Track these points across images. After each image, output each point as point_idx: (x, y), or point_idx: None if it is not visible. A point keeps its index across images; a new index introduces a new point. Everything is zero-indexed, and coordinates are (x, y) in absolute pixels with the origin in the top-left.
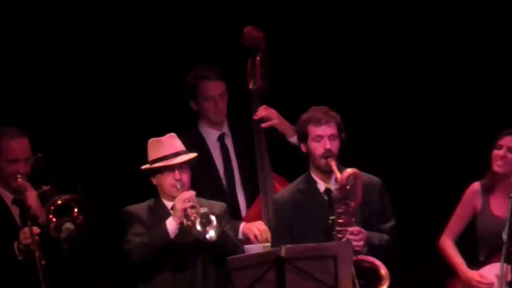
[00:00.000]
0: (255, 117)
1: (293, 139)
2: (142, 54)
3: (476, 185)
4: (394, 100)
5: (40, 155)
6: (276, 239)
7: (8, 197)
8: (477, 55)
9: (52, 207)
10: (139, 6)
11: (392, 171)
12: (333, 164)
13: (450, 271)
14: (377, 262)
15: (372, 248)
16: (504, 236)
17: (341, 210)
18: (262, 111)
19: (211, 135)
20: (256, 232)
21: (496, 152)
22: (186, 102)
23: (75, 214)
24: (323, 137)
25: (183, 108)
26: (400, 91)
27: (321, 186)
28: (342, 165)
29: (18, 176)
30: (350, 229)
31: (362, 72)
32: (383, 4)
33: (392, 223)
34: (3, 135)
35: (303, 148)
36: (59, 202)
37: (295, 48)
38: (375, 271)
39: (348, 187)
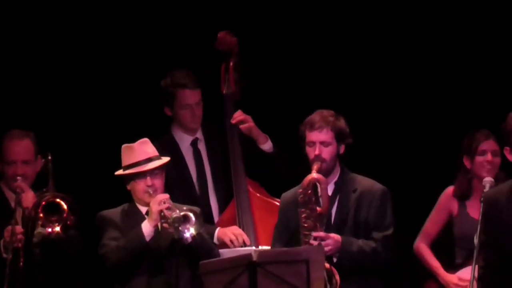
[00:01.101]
0: (233, 121)
1: (265, 146)
2: (114, 59)
3: (451, 189)
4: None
5: (50, 157)
6: (276, 236)
7: (12, 198)
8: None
9: (42, 203)
10: (112, 11)
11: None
12: (315, 168)
13: (426, 275)
14: (332, 269)
15: (348, 255)
16: (476, 240)
17: (305, 214)
18: (239, 115)
19: (184, 140)
20: (231, 236)
21: (483, 158)
22: (161, 107)
23: (65, 215)
24: (314, 142)
25: (156, 112)
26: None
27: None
28: (348, 170)
29: (18, 177)
30: (314, 233)
31: (337, 76)
32: (358, 5)
33: (388, 232)
34: (6, 137)
35: (304, 150)
36: (50, 200)
37: (269, 52)
38: (329, 276)
39: (309, 191)
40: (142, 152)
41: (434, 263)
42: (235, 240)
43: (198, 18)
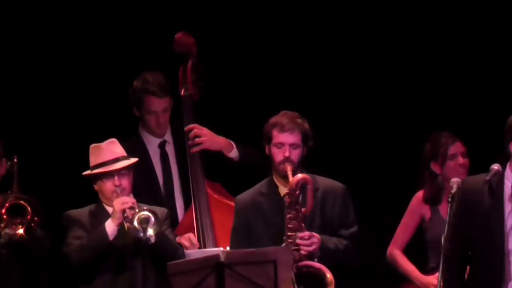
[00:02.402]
0: (186, 130)
1: (231, 154)
2: (81, 59)
3: (422, 193)
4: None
5: (16, 159)
6: (235, 239)
7: None
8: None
9: (6, 205)
10: (76, 12)
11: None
12: (289, 169)
13: (399, 280)
14: (323, 267)
15: (327, 253)
16: (443, 241)
17: (291, 216)
18: (193, 133)
19: (152, 142)
20: (185, 244)
21: (455, 163)
22: (130, 107)
23: (29, 217)
24: (284, 144)
25: (126, 112)
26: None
27: (282, 190)
28: (307, 172)
29: None
30: (300, 234)
31: (295, 75)
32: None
33: (353, 229)
34: None
35: (267, 150)
36: (13, 202)
37: (228, 53)
38: (320, 276)
39: (297, 192)
40: (110, 152)
41: (409, 267)
42: (189, 247)
43: (157, 18)
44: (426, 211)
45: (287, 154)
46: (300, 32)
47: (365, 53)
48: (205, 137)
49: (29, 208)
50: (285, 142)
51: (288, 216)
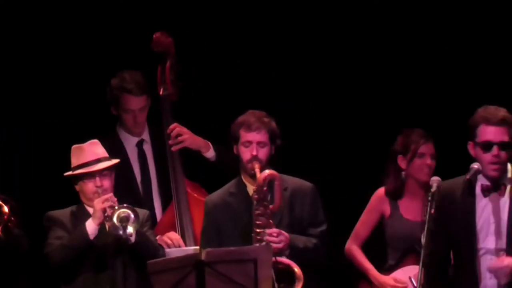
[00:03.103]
0: (168, 132)
1: (208, 154)
2: (58, 59)
3: (383, 191)
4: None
5: None
6: (205, 240)
7: None
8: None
9: None
10: (55, 10)
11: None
12: (257, 167)
13: (357, 276)
14: (292, 263)
15: (296, 251)
16: (423, 239)
17: (259, 212)
18: (174, 132)
19: (129, 141)
20: (168, 241)
21: (422, 161)
22: (108, 106)
23: (6, 217)
24: (251, 143)
25: (105, 110)
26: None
27: (251, 189)
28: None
29: None
30: (268, 231)
31: (268, 75)
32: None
33: (322, 228)
34: None
35: (235, 150)
36: None
37: (205, 53)
38: (289, 271)
39: (265, 188)
40: (91, 152)
41: (367, 264)
42: (172, 245)
43: (137, 18)
44: (386, 208)
45: (254, 152)
46: (276, 32)
47: (339, 53)
48: (186, 136)
49: (6, 208)
50: (253, 140)
51: (257, 212)
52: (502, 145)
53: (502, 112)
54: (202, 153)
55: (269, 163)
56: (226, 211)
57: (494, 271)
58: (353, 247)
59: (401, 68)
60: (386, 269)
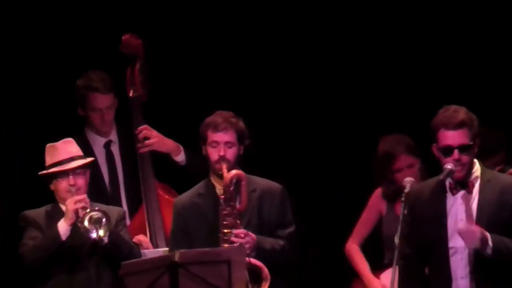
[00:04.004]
0: (136, 133)
1: (178, 158)
2: (30, 59)
3: (380, 190)
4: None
5: None
6: (173, 242)
7: None
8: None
9: None
10: (27, 9)
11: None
12: (224, 167)
13: (354, 275)
14: (258, 263)
15: (263, 253)
16: (396, 240)
17: (226, 212)
18: (142, 134)
19: (97, 142)
20: (146, 241)
21: (401, 175)
22: (75, 107)
23: None
24: (219, 143)
25: (73, 112)
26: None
27: (220, 190)
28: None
29: None
30: (235, 231)
31: (239, 76)
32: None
33: (291, 229)
34: None
35: (203, 150)
36: None
37: (175, 53)
38: (256, 271)
39: (231, 188)
40: (65, 151)
41: (362, 265)
42: (140, 247)
43: (105, 20)
44: (383, 207)
45: (221, 153)
46: (248, 31)
47: (314, 53)
48: (154, 139)
49: None
50: (220, 141)
51: (223, 212)
52: (462, 148)
53: (460, 114)
54: (172, 157)
55: (238, 163)
56: (194, 212)
57: (464, 233)
58: (352, 246)
59: (387, 70)
60: (381, 268)
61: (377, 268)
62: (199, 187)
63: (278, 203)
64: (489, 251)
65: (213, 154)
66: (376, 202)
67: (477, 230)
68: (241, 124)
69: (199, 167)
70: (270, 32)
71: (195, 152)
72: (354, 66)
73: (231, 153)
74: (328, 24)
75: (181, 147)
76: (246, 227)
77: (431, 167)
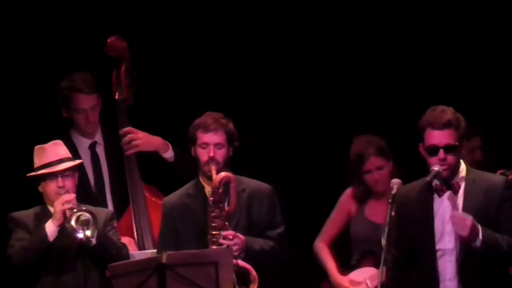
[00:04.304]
0: (122, 135)
1: (167, 154)
2: (15, 62)
3: (351, 191)
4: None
5: None
6: (162, 242)
7: None
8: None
9: None
10: (10, 11)
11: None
12: (213, 169)
13: (321, 276)
14: (247, 265)
15: (252, 254)
16: (383, 242)
17: (214, 214)
18: (128, 137)
19: (82, 144)
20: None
21: (370, 177)
22: (59, 109)
23: None
24: (208, 144)
25: (58, 115)
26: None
27: (209, 191)
28: (235, 173)
29: None
30: (224, 233)
31: (224, 78)
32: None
33: (280, 230)
34: None
35: (193, 152)
36: None
37: (160, 56)
38: (244, 274)
39: (220, 190)
40: (54, 153)
41: (330, 263)
42: None
43: (92, 22)
44: (353, 208)
45: (211, 154)
46: (232, 34)
47: (293, 54)
48: (140, 140)
49: None
50: (210, 142)
51: (212, 214)
52: (447, 148)
53: (447, 114)
54: (160, 154)
55: (229, 164)
56: (183, 213)
57: (456, 219)
58: (320, 245)
59: (370, 74)
60: (349, 268)
61: (345, 268)
62: (188, 187)
63: (268, 203)
64: (478, 243)
65: (203, 155)
66: (346, 202)
67: (469, 219)
68: (231, 125)
69: (188, 164)
70: (257, 34)
71: (183, 150)
72: (336, 69)
73: (220, 155)
74: (312, 27)
75: (169, 144)
76: (235, 228)
77: (410, 169)
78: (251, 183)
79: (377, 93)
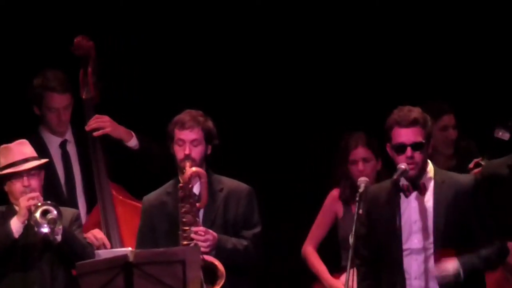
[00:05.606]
0: (87, 128)
1: (131, 143)
2: None
3: (336, 192)
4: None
5: None
6: (140, 240)
7: None
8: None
9: None
10: None
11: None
12: (188, 165)
13: (311, 279)
14: (214, 260)
15: (224, 252)
16: (351, 240)
17: (185, 209)
18: (93, 122)
19: (53, 142)
20: (93, 240)
21: (355, 168)
22: (30, 106)
23: None
24: (185, 141)
25: (26, 111)
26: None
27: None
28: (212, 171)
29: None
30: (194, 228)
31: (200, 75)
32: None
33: (256, 230)
34: None
35: (171, 149)
36: None
37: (129, 54)
38: (212, 269)
39: (190, 186)
40: (19, 152)
41: (320, 267)
42: (97, 243)
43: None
44: (339, 209)
45: (187, 151)
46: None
47: (275, 54)
48: (108, 123)
49: None
50: (186, 139)
51: (183, 210)
52: (414, 146)
53: (414, 113)
54: (125, 142)
55: (207, 162)
56: (161, 210)
57: (441, 279)
58: (308, 249)
59: (348, 74)
60: (340, 271)
61: (336, 270)
62: (167, 186)
63: (245, 203)
64: (461, 280)
65: (179, 152)
66: (331, 204)
67: (451, 273)
68: (209, 123)
69: (153, 152)
70: (238, 31)
71: (148, 138)
72: (320, 71)
73: (197, 152)
74: (296, 26)
75: (133, 133)
76: (211, 226)
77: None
78: (230, 183)
79: (363, 95)
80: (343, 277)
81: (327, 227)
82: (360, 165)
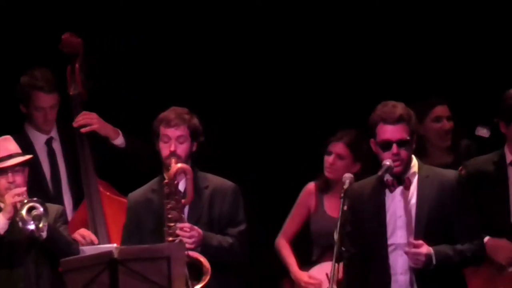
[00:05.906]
0: (75, 125)
1: (117, 141)
2: None
3: (311, 186)
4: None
5: None
6: (126, 235)
7: None
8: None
9: None
10: None
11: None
12: (173, 162)
13: (282, 274)
14: (200, 256)
15: (209, 249)
16: (336, 236)
17: (170, 206)
18: (81, 119)
19: (38, 139)
20: (80, 239)
21: (326, 159)
22: (16, 103)
23: None
24: (170, 138)
25: (12, 108)
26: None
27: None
28: (197, 168)
29: None
30: (180, 225)
31: (187, 73)
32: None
33: (241, 227)
34: None
35: (156, 146)
36: None
37: (117, 52)
38: (197, 265)
39: (176, 182)
40: (3, 149)
41: (290, 260)
42: (83, 241)
43: (46, 19)
44: (312, 203)
45: (172, 148)
46: (189, 31)
47: (264, 53)
48: (95, 120)
49: None
50: (171, 136)
51: (168, 206)
52: (400, 143)
53: (399, 109)
54: (111, 140)
55: (192, 159)
56: (147, 207)
57: (411, 255)
58: (281, 242)
59: (335, 74)
60: (310, 264)
61: (306, 264)
62: (153, 183)
63: (230, 201)
64: (432, 267)
65: (164, 149)
66: (306, 198)
67: (423, 252)
68: (195, 120)
69: (139, 150)
70: (227, 30)
71: (134, 137)
72: (307, 70)
73: (182, 149)
74: (284, 24)
75: (119, 131)
76: (197, 223)
77: None
78: (216, 180)
79: (354, 94)
80: (312, 272)
81: (301, 221)
82: (331, 159)
